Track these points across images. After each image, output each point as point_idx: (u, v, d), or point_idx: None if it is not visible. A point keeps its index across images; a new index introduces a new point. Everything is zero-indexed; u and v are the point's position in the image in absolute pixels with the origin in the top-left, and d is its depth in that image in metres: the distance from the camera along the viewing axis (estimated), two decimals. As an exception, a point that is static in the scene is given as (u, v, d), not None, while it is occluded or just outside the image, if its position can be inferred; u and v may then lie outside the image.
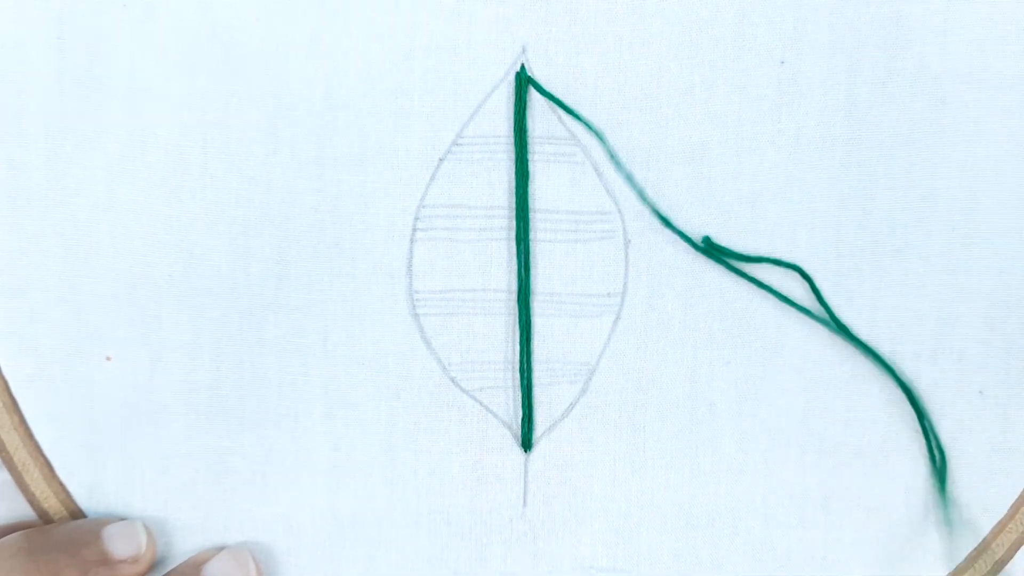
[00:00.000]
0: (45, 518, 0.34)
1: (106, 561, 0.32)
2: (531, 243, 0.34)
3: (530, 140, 0.34)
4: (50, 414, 0.34)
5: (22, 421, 0.34)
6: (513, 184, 0.34)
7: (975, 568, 0.35)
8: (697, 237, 0.34)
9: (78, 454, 0.34)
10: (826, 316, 0.34)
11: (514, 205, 0.34)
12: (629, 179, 0.32)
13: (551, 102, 0.34)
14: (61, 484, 0.34)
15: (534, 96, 0.34)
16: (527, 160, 0.34)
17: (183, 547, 0.34)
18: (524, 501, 0.35)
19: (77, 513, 0.34)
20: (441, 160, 0.34)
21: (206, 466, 0.34)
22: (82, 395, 0.34)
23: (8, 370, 0.34)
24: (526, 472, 0.35)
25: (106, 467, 0.34)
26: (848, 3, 0.34)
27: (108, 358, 0.34)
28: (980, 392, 0.35)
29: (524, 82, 0.34)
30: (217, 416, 0.34)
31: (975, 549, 0.35)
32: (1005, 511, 0.35)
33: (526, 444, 0.35)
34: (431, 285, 0.34)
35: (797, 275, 0.34)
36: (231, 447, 0.34)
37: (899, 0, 0.34)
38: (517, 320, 0.34)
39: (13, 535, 0.33)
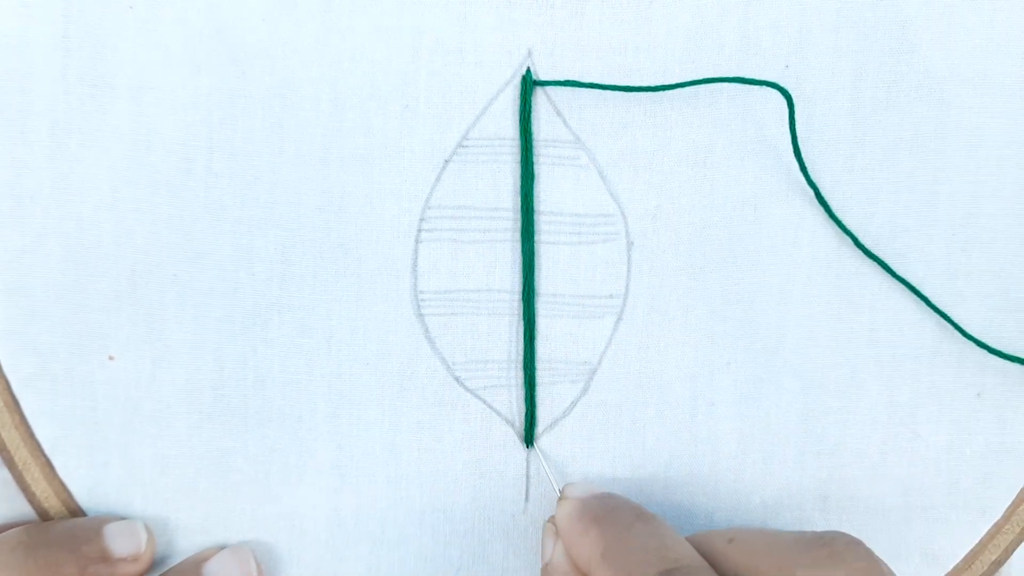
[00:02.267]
0: (45, 517, 0.34)
1: (106, 559, 0.32)
2: (535, 244, 0.34)
3: (535, 143, 0.34)
4: (51, 413, 0.33)
5: (23, 420, 0.33)
6: (517, 186, 0.34)
7: (972, 569, 0.35)
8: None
9: (79, 453, 0.34)
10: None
11: (518, 207, 0.34)
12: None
13: (554, 104, 0.34)
14: (62, 483, 0.34)
15: (539, 99, 0.34)
16: (532, 162, 0.34)
17: (184, 547, 0.34)
18: (526, 497, 0.35)
19: (77, 512, 0.34)
20: (447, 161, 0.34)
21: (208, 466, 0.34)
22: (84, 394, 0.33)
23: (9, 368, 0.33)
24: (528, 469, 0.35)
25: (107, 466, 0.34)
26: (853, 7, 0.34)
27: (110, 357, 0.33)
28: (978, 394, 0.35)
29: (530, 85, 0.33)
30: (220, 415, 0.34)
31: (972, 550, 0.36)
32: (1002, 513, 0.36)
33: (528, 441, 0.35)
34: (435, 285, 0.34)
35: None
36: (234, 447, 0.34)
37: (904, 5, 0.34)
38: (520, 320, 0.35)
39: (13, 530, 0.33)
